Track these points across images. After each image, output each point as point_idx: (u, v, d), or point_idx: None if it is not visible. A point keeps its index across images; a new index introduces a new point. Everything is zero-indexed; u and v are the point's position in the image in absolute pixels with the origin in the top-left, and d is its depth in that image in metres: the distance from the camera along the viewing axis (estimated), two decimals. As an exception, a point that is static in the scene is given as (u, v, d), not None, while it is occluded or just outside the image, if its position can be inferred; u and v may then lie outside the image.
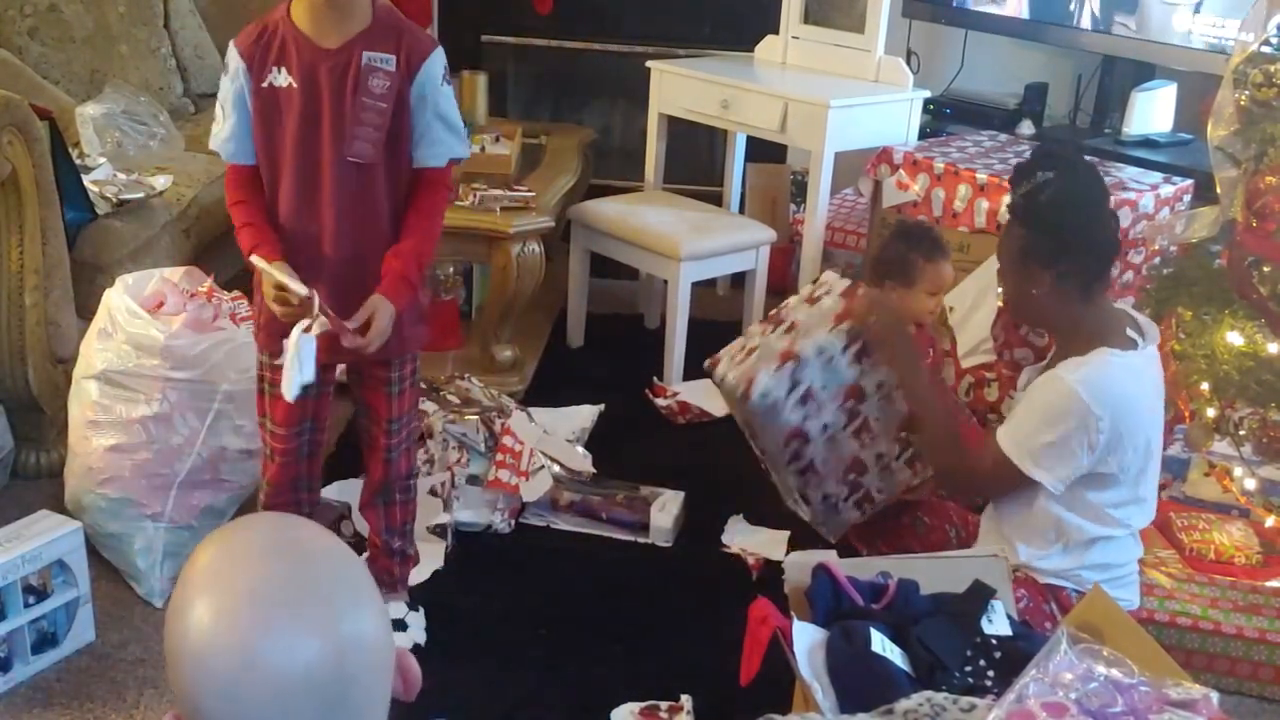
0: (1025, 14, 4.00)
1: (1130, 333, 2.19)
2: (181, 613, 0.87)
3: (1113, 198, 3.09)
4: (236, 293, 2.66)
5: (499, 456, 2.79)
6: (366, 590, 0.91)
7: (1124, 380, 2.12)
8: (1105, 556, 2.22)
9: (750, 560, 2.67)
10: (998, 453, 2.17)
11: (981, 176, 3.28)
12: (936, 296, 2.93)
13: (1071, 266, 2.15)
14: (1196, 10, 3.57)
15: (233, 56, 2.04)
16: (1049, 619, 2.20)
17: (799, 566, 2.02)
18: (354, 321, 2.00)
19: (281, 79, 2.00)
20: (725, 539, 2.77)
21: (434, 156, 2.09)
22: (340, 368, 2.28)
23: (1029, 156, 2.29)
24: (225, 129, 2.06)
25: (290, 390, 1.98)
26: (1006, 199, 2.99)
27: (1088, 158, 2.74)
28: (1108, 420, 2.08)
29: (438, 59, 2.05)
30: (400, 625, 2.34)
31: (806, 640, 1.84)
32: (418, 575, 2.49)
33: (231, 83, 2.04)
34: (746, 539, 2.76)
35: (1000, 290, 2.44)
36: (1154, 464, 2.23)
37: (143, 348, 2.46)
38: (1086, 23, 3.85)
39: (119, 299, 2.51)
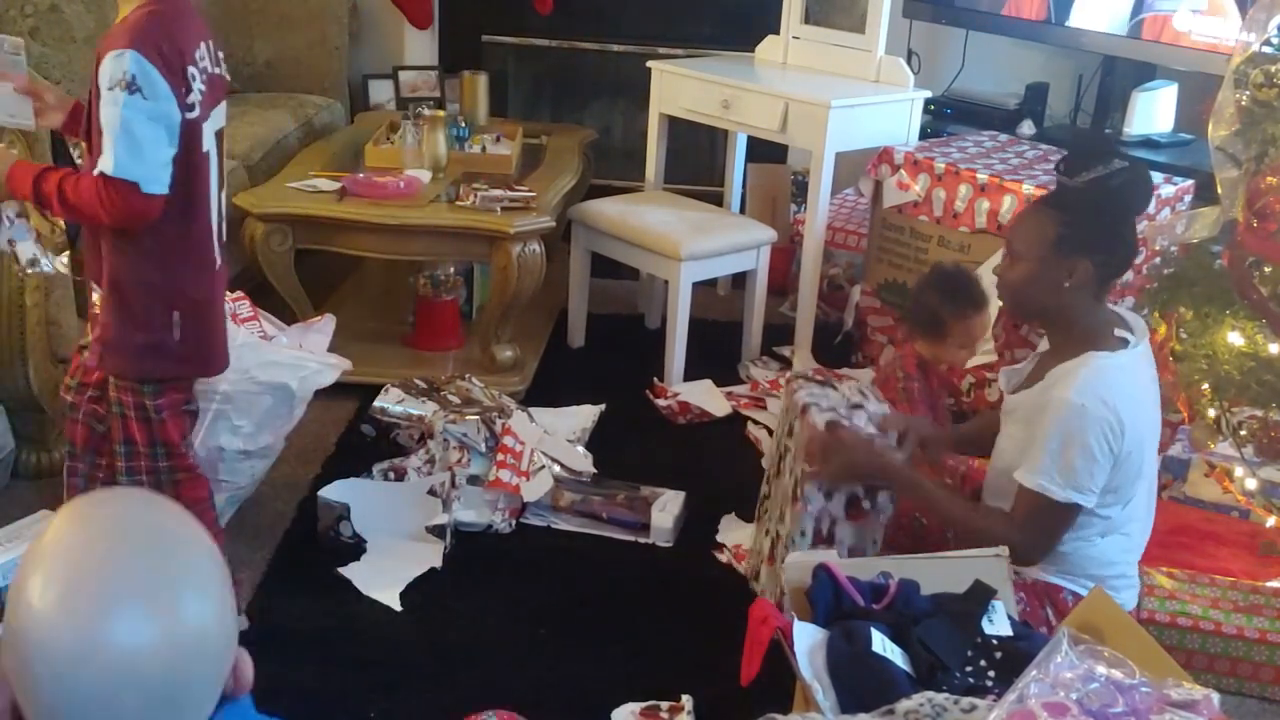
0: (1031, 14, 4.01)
1: (1119, 333, 2.19)
2: (24, 586, 0.85)
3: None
4: (238, 293, 2.66)
5: (500, 456, 2.79)
6: (216, 584, 0.91)
7: (1118, 379, 2.11)
8: (1102, 555, 2.21)
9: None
10: (1031, 498, 2.11)
11: (982, 176, 3.28)
12: (969, 348, 2.86)
13: (1112, 258, 2.15)
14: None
15: None
16: (1044, 624, 2.19)
17: (799, 566, 2.02)
18: None
19: None
20: (720, 538, 2.78)
21: (95, 163, 1.92)
22: None
23: (1085, 144, 2.26)
24: None
25: None
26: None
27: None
28: (1118, 423, 2.06)
29: (112, 60, 1.87)
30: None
31: (807, 640, 1.84)
32: (412, 572, 2.50)
33: None
34: (740, 536, 2.76)
35: (1001, 279, 2.28)
36: (1149, 463, 2.21)
37: (143, 347, 2.45)
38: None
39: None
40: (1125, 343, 2.16)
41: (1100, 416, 2.06)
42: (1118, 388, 2.10)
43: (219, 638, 0.89)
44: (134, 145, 1.88)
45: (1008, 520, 2.17)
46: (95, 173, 1.90)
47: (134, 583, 0.85)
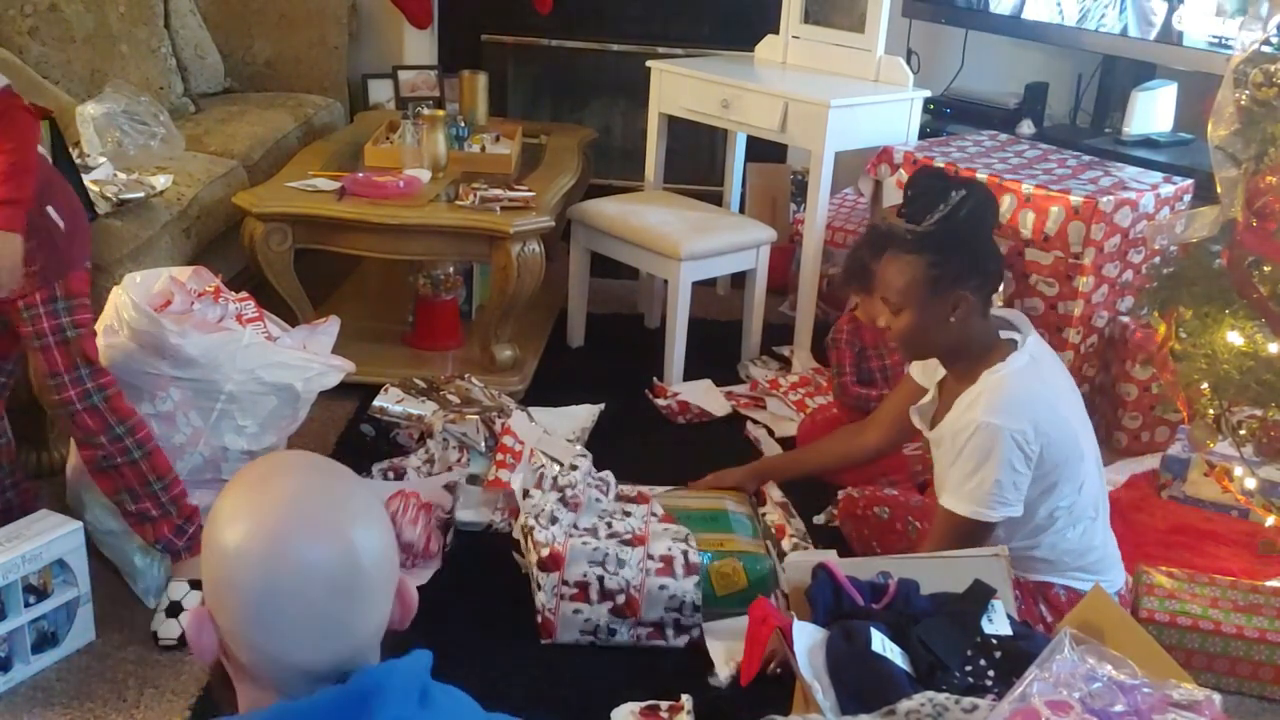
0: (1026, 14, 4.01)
1: (1005, 334, 2.25)
2: (228, 521, 1.06)
3: (1112, 198, 3.11)
4: (243, 294, 2.66)
5: (499, 456, 2.78)
6: (375, 509, 1.10)
7: (1018, 386, 2.17)
8: (1077, 545, 2.27)
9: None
10: (955, 520, 2.19)
11: (982, 176, 3.28)
12: None
13: (987, 278, 2.23)
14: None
15: None
16: (1039, 621, 2.21)
17: (799, 566, 2.02)
18: None
19: None
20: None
21: None
22: None
23: (920, 187, 2.31)
24: None
25: None
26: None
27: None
28: (1031, 428, 2.13)
29: None
30: (176, 608, 2.31)
31: (807, 640, 1.84)
32: (419, 576, 2.49)
33: None
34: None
35: (890, 332, 2.31)
36: (1085, 439, 2.25)
37: (147, 346, 2.46)
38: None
39: (126, 296, 2.51)
40: (1014, 343, 2.22)
41: (1012, 429, 2.12)
42: (1021, 395, 2.16)
43: (381, 553, 1.09)
44: None
45: (940, 541, 2.21)
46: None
47: (312, 508, 1.06)
